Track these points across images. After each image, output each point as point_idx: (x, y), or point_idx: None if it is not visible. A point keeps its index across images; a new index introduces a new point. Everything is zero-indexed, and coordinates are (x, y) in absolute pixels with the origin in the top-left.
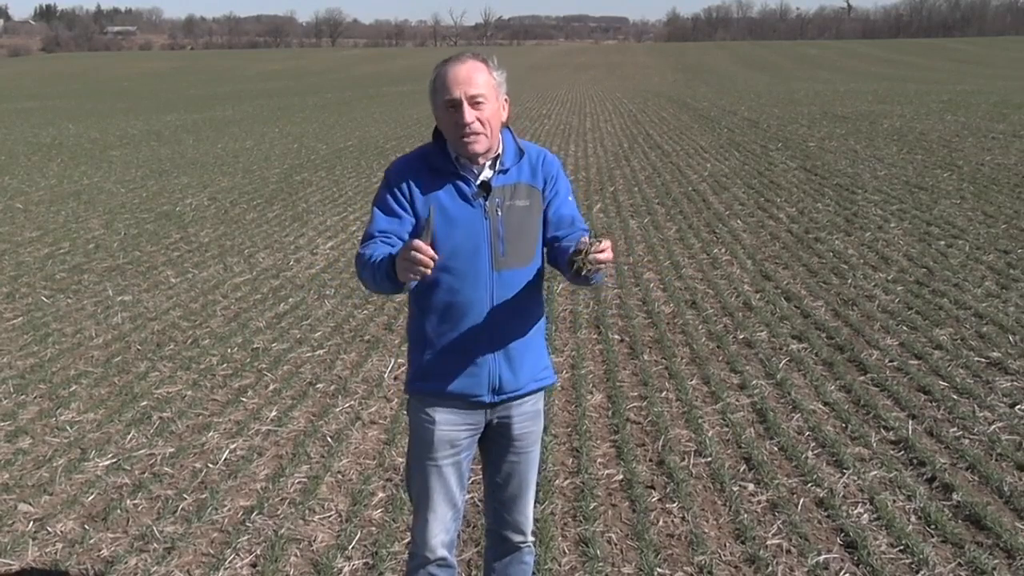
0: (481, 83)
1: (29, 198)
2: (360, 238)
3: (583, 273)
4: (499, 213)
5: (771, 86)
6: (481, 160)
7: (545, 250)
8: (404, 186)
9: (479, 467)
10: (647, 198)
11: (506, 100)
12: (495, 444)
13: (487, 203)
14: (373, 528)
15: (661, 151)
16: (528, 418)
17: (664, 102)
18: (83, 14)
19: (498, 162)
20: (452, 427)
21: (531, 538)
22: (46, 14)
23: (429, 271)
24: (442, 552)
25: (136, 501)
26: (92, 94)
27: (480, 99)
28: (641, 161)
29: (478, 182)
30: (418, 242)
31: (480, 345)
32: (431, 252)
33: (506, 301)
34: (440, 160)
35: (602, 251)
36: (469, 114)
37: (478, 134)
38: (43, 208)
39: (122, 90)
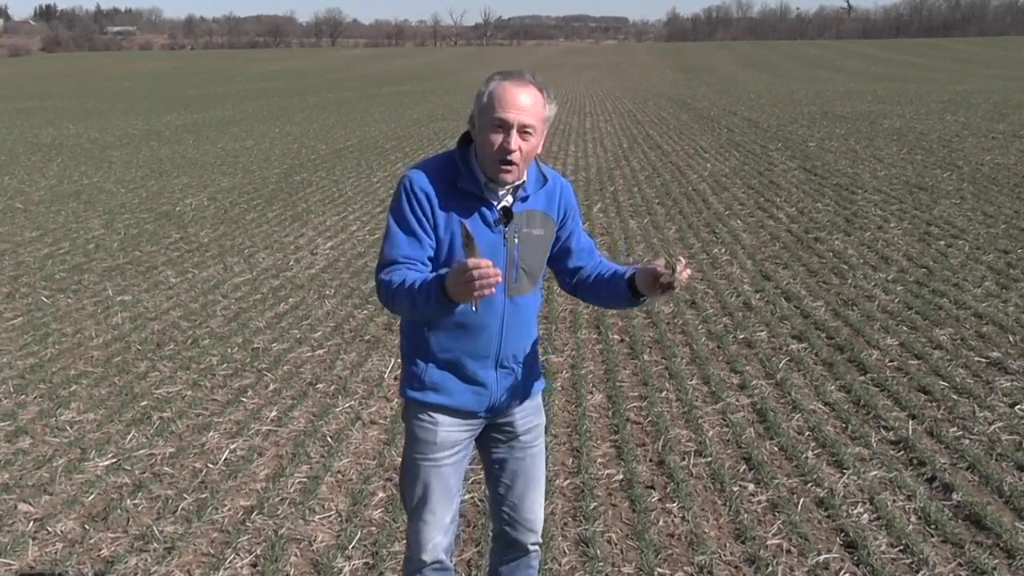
0: (536, 115)
1: (29, 198)
2: (378, 261)
3: (675, 290)
4: (516, 240)
5: (771, 86)
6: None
7: (565, 279)
8: (426, 205)
9: (479, 467)
10: (647, 198)
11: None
12: (498, 444)
13: (507, 230)
14: (373, 528)
15: (661, 151)
16: (530, 412)
17: (664, 102)
18: (83, 14)
19: (520, 189)
20: (453, 428)
21: (540, 539)
22: (46, 14)
23: (500, 279)
24: (440, 556)
25: (136, 501)
26: (92, 94)
27: (529, 131)
28: (641, 161)
29: (500, 207)
30: (474, 260)
31: (485, 367)
32: (488, 262)
33: (515, 326)
34: (466, 182)
35: (686, 269)
36: (515, 142)
37: (516, 165)
38: (43, 208)
39: (122, 90)
